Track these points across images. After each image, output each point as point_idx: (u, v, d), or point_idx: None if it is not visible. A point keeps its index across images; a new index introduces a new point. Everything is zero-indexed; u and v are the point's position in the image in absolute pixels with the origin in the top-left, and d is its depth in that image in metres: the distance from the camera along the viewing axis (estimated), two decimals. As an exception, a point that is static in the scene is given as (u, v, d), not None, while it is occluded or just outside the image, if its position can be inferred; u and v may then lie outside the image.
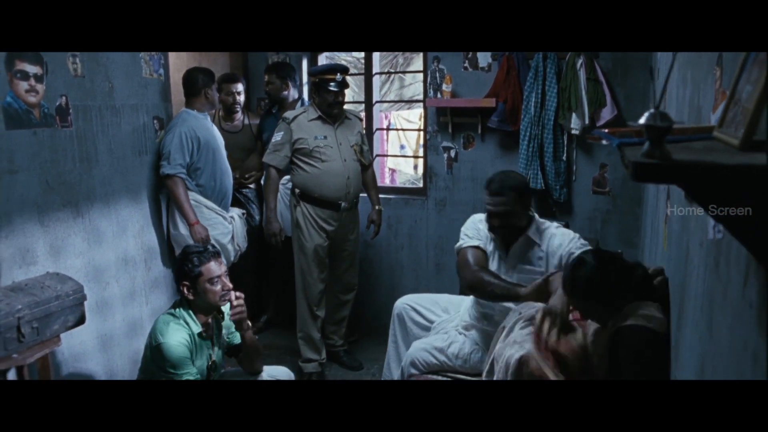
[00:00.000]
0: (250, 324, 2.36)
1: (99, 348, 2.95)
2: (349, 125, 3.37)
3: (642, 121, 0.59)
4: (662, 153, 0.58)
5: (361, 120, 3.50)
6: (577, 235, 2.36)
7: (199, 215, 3.32)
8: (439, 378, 2.37)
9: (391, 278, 4.22)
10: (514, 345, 1.87)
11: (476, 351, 2.42)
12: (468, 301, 2.57)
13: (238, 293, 2.29)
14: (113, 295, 3.04)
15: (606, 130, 0.88)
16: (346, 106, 3.41)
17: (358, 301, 4.14)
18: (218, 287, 2.25)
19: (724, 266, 1.00)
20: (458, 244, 2.45)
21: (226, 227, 3.44)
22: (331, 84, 3.20)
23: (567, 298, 1.81)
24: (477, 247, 2.37)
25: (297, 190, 3.32)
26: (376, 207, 3.56)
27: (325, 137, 3.25)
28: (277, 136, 3.28)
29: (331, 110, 3.25)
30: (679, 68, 1.69)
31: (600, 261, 1.70)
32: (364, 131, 3.49)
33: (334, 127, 3.29)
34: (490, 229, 2.34)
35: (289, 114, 3.31)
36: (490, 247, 2.41)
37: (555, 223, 2.43)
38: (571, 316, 1.87)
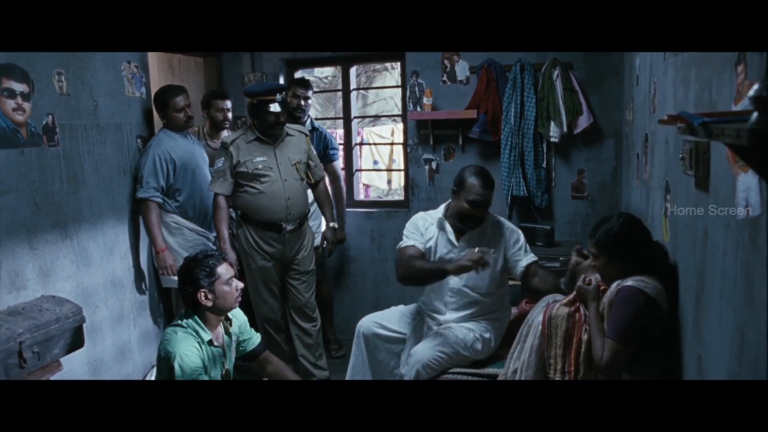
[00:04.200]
0: None
1: (90, 374, 2.86)
2: (292, 143, 3.25)
3: (751, 93, 0.67)
4: (770, 121, 0.65)
5: (306, 135, 3.36)
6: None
7: (181, 237, 3.27)
8: (450, 377, 2.41)
9: (375, 291, 4.25)
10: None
11: (476, 341, 2.52)
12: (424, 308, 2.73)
13: None
14: (102, 318, 2.96)
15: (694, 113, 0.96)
16: (323, 122, 3.39)
17: (343, 315, 4.15)
18: (233, 287, 2.25)
19: (765, 239, 1.08)
20: (398, 246, 2.66)
21: (209, 248, 3.39)
22: (272, 105, 3.11)
23: (593, 252, 2.00)
24: (413, 246, 2.58)
25: (239, 213, 3.28)
26: (330, 224, 3.46)
27: (264, 158, 3.15)
28: (219, 163, 3.18)
29: (272, 131, 3.16)
30: (676, 70, 1.82)
31: (625, 219, 1.98)
32: (310, 146, 3.36)
33: (273, 146, 3.19)
34: (469, 218, 2.52)
35: (227, 138, 3.24)
36: (434, 240, 2.61)
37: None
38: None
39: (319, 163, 3.43)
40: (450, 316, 2.60)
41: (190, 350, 2.14)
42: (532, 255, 2.60)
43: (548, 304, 2.09)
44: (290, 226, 3.21)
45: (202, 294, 2.21)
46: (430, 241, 2.61)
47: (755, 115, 0.66)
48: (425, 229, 2.63)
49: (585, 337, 1.91)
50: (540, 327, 1.98)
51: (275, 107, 3.12)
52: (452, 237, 2.59)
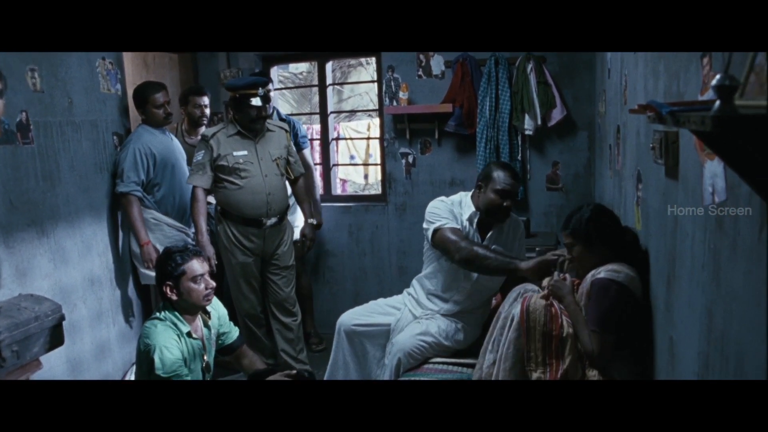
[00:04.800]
0: None
1: (69, 372, 2.83)
2: (272, 138, 3.24)
3: (714, 83, 0.71)
4: (732, 108, 0.70)
5: (287, 131, 3.34)
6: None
7: (160, 233, 3.25)
8: (434, 376, 2.44)
9: (354, 285, 4.28)
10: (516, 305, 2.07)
11: (458, 331, 2.56)
12: (415, 294, 2.71)
13: None
14: (81, 317, 2.94)
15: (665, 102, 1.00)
16: (299, 118, 3.32)
17: (322, 309, 4.17)
18: (202, 286, 2.22)
19: (730, 222, 1.14)
20: (435, 225, 2.48)
21: (188, 244, 3.38)
22: (253, 99, 3.10)
23: (568, 242, 2.06)
24: (456, 228, 2.45)
25: (219, 208, 3.26)
26: (308, 221, 3.45)
27: (245, 153, 3.13)
28: (198, 156, 3.14)
29: (254, 125, 3.14)
30: (646, 63, 1.89)
31: (595, 206, 2.07)
32: (290, 142, 3.35)
33: (254, 141, 3.17)
34: (497, 210, 2.44)
35: (208, 131, 3.19)
36: (467, 233, 2.51)
37: None
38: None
39: (298, 159, 3.43)
40: (453, 306, 2.59)
41: (170, 342, 2.14)
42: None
43: (522, 295, 2.12)
44: (270, 222, 3.20)
45: (167, 288, 2.20)
46: (464, 231, 2.50)
47: (718, 102, 0.71)
48: (458, 217, 2.51)
49: (568, 330, 1.93)
50: (518, 319, 2.01)
51: (257, 101, 3.10)
52: (478, 235, 2.53)
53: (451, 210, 2.54)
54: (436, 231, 2.47)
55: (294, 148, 3.41)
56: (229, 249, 3.22)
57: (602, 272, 1.92)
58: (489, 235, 2.55)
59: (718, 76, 0.72)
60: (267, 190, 3.15)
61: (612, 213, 2.07)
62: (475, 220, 2.53)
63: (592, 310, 1.91)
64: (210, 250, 3.13)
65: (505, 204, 2.43)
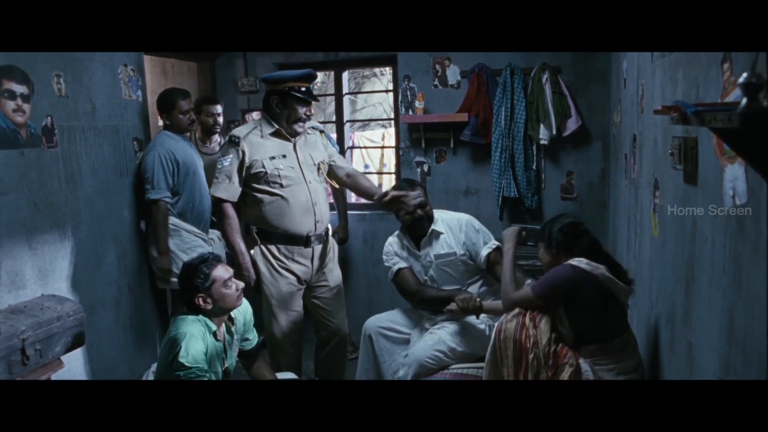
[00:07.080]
0: None
1: (88, 374, 2.87)
2: (309, 140, 2.85)
3: (740, 80, 0.74)
4: (759, 105, 0.72)
5: (322, 131, 2.98)
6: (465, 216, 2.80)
7: (179, 239, 3.27)
8: (447, 378, 2.45)
9: (368, 293, 4.29)
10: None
11: (471, 338, 2.57)
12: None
13: None
14: (99, 318, 2.97)
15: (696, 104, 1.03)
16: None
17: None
18: (233, 289, 2.26)
19: (752, 224, 1.16)
20: (392, 268, 2.74)
21: (206, 250, 3.41)
22: (303, 94, 2.69)
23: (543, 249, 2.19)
24: (407, 268, 2.69)
25: (253, 228, 2.79)
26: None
27: (284, 156, 2.69)
28: (225, 161, 2.68)
29: (299, 126, 2.73)
30: (664, 71, 1.91)
31: (565, 216, 2.21)
32: (327, 142, 3.02)
33: (292, 143, 2.75)
34: (411, 223, 2.65)
35: (237, 131, 2.75)
36: (404, 255, 2.74)
37: (441, 210, 2.81)
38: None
39: (341, 157, 3.16)
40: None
41: (198, 334, 2.18)
42: (494, 242, 2.66)
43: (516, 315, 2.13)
44: (319, 241, 2.82)
45: (200, 299, 2.23)
46: (408, 258, 2.74)
47: (745, 100, 0.74)
48: (399, 251, 2.75)
49: (531, 356, 1.95)
50: (492, 345, 2.03)
51: (307, 96, 2.71)
52: (413, 248, 2.71)
53: (393, 250, 2.76)
54: (394, 276, 2.72)
55: (332, 149, 3.08)
56: (270, 277, 2.79)
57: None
58: (422, 241, 2.69)
59: (744, 74, 0.74)
60: (314, 200, 2.73)
61: (582, 224, 2.18)
62: (405, 240, 2.73)
63: (541, 278, 2.06)
64: (253, 274, 2.81)
65: (415, 217, 2.62)
